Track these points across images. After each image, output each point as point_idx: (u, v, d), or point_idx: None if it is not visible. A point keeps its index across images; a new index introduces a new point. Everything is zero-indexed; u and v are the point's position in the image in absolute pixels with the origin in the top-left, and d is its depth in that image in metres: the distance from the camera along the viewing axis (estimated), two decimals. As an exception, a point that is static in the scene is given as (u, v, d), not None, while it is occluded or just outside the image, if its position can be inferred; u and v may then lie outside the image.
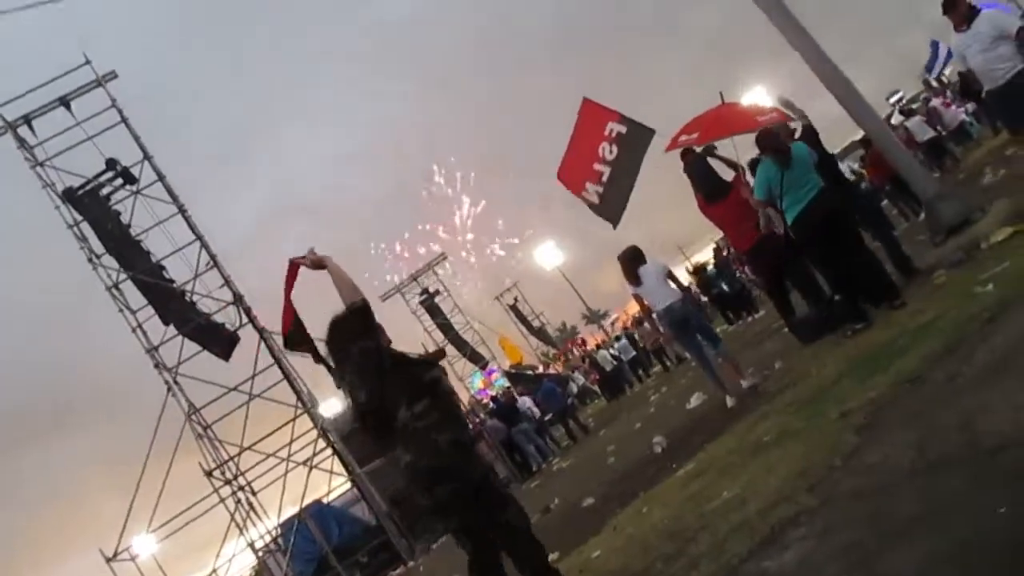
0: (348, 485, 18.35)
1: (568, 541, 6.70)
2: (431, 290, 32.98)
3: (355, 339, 4.09)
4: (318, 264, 4.28)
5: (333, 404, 25.28)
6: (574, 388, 34.11)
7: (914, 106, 37.63)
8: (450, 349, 32.26)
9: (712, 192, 8.80)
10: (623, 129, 9.10)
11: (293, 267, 4.15)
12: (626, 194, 9.31)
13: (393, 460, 4.14)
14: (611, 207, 9.36)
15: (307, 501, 17.33)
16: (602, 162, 9.27)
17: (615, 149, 9.14)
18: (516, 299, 48.24)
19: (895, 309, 6.85)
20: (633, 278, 8.47)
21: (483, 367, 35.14)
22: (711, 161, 8.86)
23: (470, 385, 38.05)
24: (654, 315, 8.69)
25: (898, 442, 3.92)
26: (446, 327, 32.77)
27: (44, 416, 62.42)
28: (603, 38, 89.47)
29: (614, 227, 9.50)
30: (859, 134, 9.74)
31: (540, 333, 50.44)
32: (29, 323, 61.80)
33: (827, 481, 4.05)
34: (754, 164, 8.39)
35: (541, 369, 57.15)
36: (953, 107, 19.65)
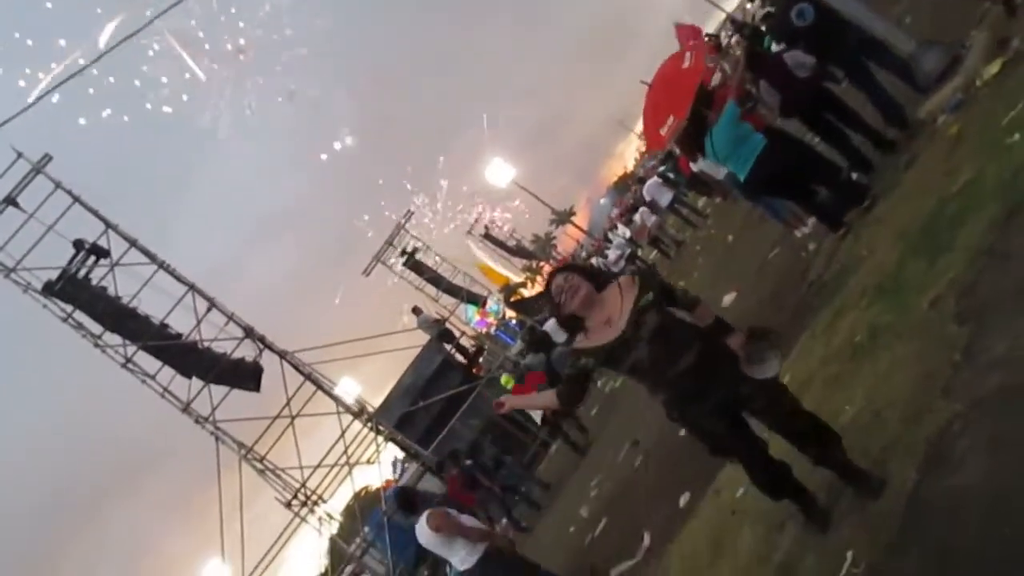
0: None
1: None
2: (409, 249, 32.79)
3: None
4: None
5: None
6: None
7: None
8: (447, 299, 32.29)
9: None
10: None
11: None
12: None
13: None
14: None
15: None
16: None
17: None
18: (487, 226, 48.49)
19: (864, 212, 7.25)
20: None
21: (483, 304, 35.40)
22: None
23: (468, 320, 37.61)
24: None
25: (1014, 328, 3.86)
26: (435, 280, 32.77)
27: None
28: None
29: None
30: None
31: (519, 250, 50.78)
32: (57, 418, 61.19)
33: (959, 380, 3.97)
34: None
35: (529, 286, 57.59)
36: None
